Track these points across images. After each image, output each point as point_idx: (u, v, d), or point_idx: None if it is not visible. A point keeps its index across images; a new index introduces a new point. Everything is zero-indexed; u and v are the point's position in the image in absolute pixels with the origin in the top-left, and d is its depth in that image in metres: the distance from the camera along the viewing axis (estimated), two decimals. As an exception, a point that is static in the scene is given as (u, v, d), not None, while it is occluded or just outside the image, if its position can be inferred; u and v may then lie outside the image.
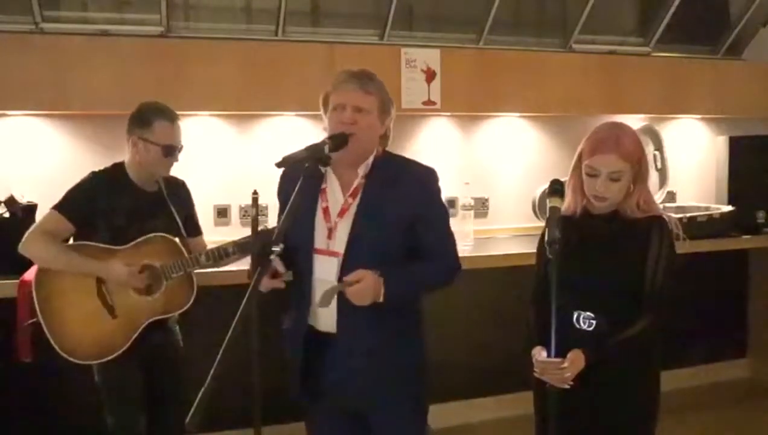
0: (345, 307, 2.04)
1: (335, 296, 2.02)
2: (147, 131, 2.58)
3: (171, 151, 2.62)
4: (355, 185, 2.11)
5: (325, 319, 2.09)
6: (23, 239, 2.54)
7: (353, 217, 2.07)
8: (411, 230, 2.10)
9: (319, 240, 2.10)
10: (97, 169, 2.66)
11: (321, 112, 2.17)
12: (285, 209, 2.00)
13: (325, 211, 2.10)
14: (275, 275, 2.00)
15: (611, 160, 2.04)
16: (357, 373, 2.09)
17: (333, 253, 2.07)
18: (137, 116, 2.63)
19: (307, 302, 2.11)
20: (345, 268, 2.03)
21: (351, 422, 2.20)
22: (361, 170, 2.12)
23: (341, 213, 2.09)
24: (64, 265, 2.54)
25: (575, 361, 1.98)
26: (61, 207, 2.56)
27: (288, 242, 1.94)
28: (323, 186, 2.13)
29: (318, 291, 2.05)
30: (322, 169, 2.09)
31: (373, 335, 2.08)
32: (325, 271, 2.07)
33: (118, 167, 2.67)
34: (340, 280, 2.03)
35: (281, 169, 2.12)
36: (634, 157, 2.08)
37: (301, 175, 1.96)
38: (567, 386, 1.99)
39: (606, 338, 2.04)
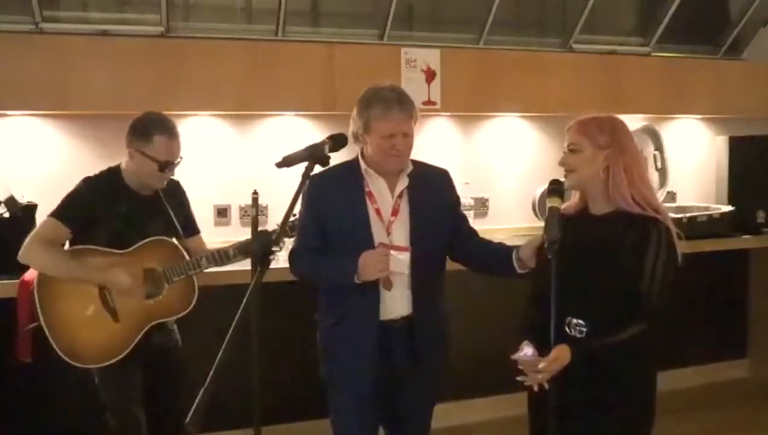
0: (418, 291, 2.29)
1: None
2: (145, 145, 2.55)
3: (167, 167, 2.59)
4: (402, 188, 2.31)
5: (397, 306, 2.29)
6: (23, 248, 2.51)
7: (408, 215, 2.30)
8: (449, 214, 2.41)
9: (379, 238, 2.26)
10: (90, 175, 2.64)
11: (355, 115, 2.29)
12: (321, 217, 2.27)
13: (377, 211, 2.28)
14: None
15: (569, 135, 2.14)
16: (430, 348, 2.33)
17: (404, 249, 2.26)
18: (138, 127, 2.59)
19: (376, 295, 2.26)
20: (413, 259, 2.26)
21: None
22: (404, 175, 2.32)
23: (394, 212, 2.29)
24: (67, 274, 2.52)
25: (560, 357, 1.95)
26: (58, 214, 2.54)
27: (342, 241, 2.23)
28: (367, 189, 2.29)
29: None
30: (365, 174, 2.29)
31: (434, 312, 2.35)
32: (397, 264, 2.25)
33: (113, 172, 2.64)
34: (412, 270, 2.26)
35: (282, 170, 2.13)
36: (596, 136, 2.08)
37: (302, 176, 1.98)
38: (536, 388, 1.98)
39: (595, 341, 2.01)
